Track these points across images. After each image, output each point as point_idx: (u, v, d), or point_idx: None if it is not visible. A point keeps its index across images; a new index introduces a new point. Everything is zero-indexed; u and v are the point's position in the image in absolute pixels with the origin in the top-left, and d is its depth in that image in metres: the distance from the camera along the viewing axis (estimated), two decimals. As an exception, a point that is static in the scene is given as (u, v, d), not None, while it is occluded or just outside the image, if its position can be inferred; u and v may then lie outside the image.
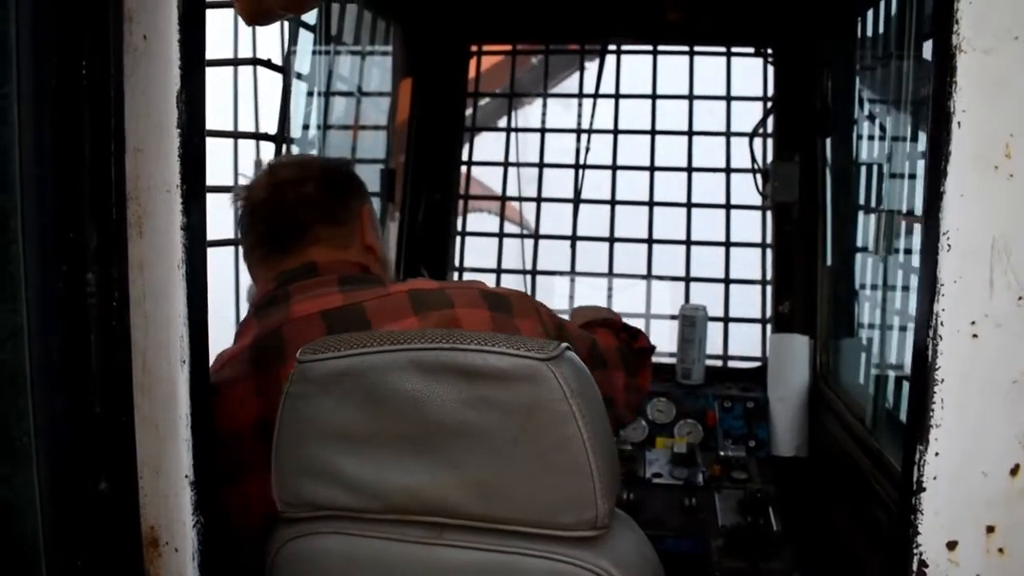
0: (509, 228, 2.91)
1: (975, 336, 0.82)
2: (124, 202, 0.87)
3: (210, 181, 0.99)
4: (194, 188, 0.89)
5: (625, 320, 1.76)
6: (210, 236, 0.97)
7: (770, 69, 2.70)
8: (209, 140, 0.96)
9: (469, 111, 2.94)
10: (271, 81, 2.12)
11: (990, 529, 0.85)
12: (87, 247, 0.83)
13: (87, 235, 0.83)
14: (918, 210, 1.81)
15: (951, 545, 0.86)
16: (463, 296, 1.29)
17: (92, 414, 0.85)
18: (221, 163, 1.40)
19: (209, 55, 0.93)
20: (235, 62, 2.01)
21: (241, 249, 1.48)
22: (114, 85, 0.84)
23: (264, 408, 1.17)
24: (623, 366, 1.54)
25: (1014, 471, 0.84)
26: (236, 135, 1.80)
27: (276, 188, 1.43)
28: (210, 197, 0.96)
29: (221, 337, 1.28)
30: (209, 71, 0.93)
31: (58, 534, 0.84)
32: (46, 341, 0.82)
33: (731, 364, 2.78)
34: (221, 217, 1.39)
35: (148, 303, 0.90)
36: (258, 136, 2.07)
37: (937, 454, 0.84)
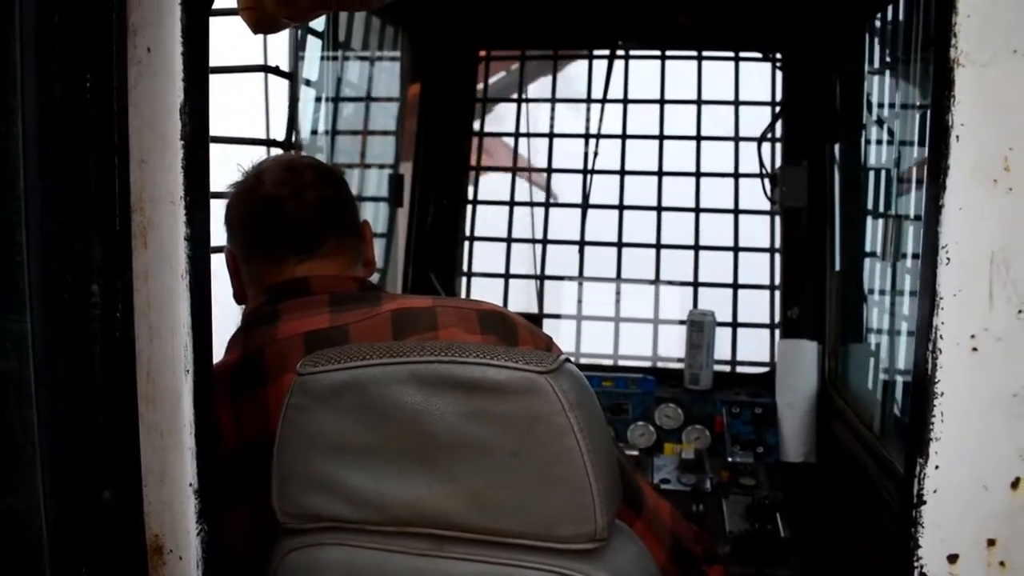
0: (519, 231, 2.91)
1: (975, 349, 0.82)
2: (128, 213, 0.88)
3: (215, 188, 1.00)
4: (198, 199, 0.90)
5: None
6: (213, 243, 0.98)
7: (778, 74, 2.70)
8: (216, 146, 0.97)
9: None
10: (280, 88, 2.13)
11: (991, 542, 0.85)
12: (92, 258, 0.84)
13: (92, 246, 0.84)
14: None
15: (952, 558, 0.85)
16: (454, 316, 1.22)
17: (96, 423, 0.86)
18: (228, 170, 1.39)
19: (219, 61, 0.93)
20: (244, 69, 2.02)
21: (234, 250, 1.38)
22: (118, 98, 0.84)
23: (239, 435, 1.17)
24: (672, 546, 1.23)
25: (1015, 484, 0.84)
26: (243, 141, 1.81)
27: (297, 186, 1.33)
28: (213, 204, 0.97)
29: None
30: (218, 77, 0.93)
31: (62, 542, 0.85)
32: (51, 351, 0.83)
33: (739, 369, 2.78)
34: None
35: (152, 313, 0.90)
36: (268, 143, 2.08)
37: (937, 467, 0.84)
